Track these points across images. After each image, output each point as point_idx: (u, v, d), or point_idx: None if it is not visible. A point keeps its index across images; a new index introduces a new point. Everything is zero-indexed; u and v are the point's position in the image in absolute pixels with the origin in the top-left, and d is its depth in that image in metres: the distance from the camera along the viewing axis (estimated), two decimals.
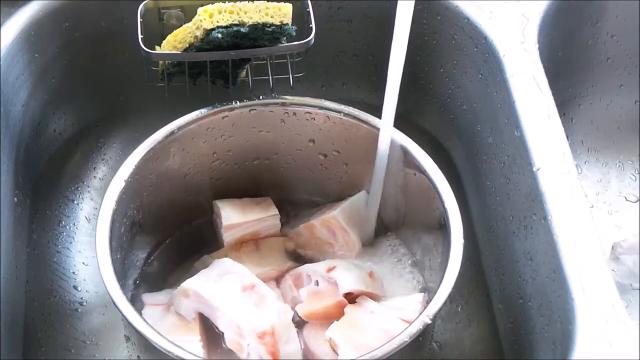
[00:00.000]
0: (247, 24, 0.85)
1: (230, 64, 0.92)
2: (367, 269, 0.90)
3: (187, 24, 0.88)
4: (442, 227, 0.83)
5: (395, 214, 0.94)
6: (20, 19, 0.98)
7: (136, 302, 0.88)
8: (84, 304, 0.96)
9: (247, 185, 0.97)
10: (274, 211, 0.94)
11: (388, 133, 0.88)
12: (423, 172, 0.87)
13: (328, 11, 1.05)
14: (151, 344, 0.74)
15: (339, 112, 0.91)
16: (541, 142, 0.85)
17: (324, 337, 0.83)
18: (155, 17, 0.95)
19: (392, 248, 0.95)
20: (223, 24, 0.85)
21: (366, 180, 0.93)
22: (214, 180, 0.96)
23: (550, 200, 0.81)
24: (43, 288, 0.96)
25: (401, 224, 0.95)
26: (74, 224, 1.02)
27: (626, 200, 1.07)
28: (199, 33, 0.86)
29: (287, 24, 0.87)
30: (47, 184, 1.04)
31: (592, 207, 1.06)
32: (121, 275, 0.83)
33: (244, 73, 0.96)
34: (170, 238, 0.96)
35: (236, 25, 0.85)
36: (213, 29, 0.85)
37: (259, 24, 0.86)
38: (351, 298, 0.86)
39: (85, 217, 1.03)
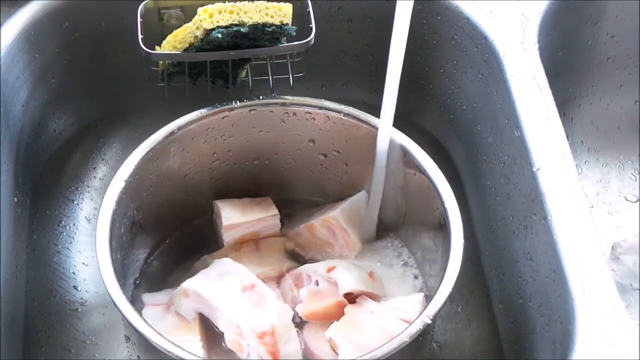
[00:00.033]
0: (247, 24, 0.85)
1: (230, 64, 0.92)
2: (367, 269, 0.90)
3: (187, 24, 0.88)
4: (442, 227, 0.83)
5: (395, 214, 0.94)
6: (20, 19, 0.98)
7: (136, 302, 0.88)
8: (84, 304, 0.96)
9: (247, 185, 0.97)
10: (274, 211, 0.94)
11: (387, 133, 0.88)
12: (423, 172, 0.87)
13: (328, 11, 1.05)
14: (151, 344, 0.74)
15: (339, 112, 0.91)
16: (541, 142, 0.85)
17: (324, 337, 0.83)
18: (155, 17, 0.95)
19: (392, 248, 0.95)
20: (223, 24, 0.85)
21: (366, 180, 0.93)
22: (214, 180, 0.96)
23: (550, 200, 0.81)
24: (43, 288, 0.96)
25: (401, 224, 0.95)
26: (74, 224, 1.02)
27: (626, 200, 1.07)
28: (199, 33, 0.86)
29: (287, 24, 0.87)
30: (47, 184, 1.04)
31: (592, 207, 1.06)
32: (121, 275, 0.83)
33: (244, 73, 0.96)
34: (170, 238, 0.96)
35: (236, 25, 0.85)
36: (213, 29, 0.85)
37: (259, 24, 0.86)
38: (351, 298, 0.86)
39: (85, 217, 1.03)
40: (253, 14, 0.86)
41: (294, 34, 0.89)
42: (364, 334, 0.82)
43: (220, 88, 0.96)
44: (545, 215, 0.80)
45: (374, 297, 0.87)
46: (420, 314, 0.76)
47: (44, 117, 1.04)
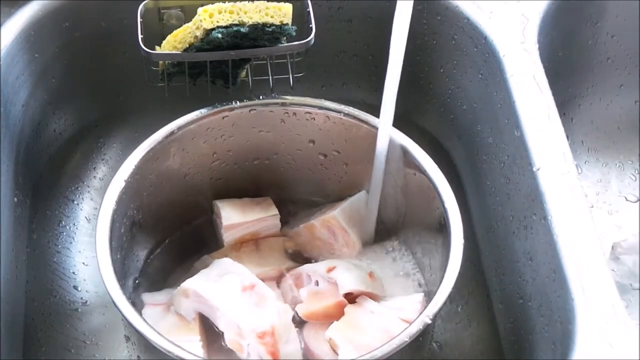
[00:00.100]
0: (247, 24, 0.85)
1: (230, 64, 0.92)
2: (367, 269, 0.90)
3: (187, 24, 0.88)
4: (442, 227, 0.83)
5: (395, 214, 0.94)
6: (20, 19, 0.98)
7: (136, 302, 0.88)
8: (84, 304, 0.96)
9: (247, 185, 0.97)
10: (274, 211, 0.94)
11: (386, 132, 0.88)
12: (423, 172, 0.87)
13: (328, 11, 1.05)
14: (151, 344, 0.74)
15: (338, 112, 0.91)
16: (541, 142, 0.85)
17: (324, 337, 0.83)
18: (155, 17, 0.95)
19: (392, 248, 0.95)
20: (223, 24, 0.85)
21: (366, 180, 0.93)
22: (214, 180, 0.96)
23: (550, 200, 0.81)
24: (43, 288, 0.96)
25: (401, 224, 0.95)
26: (74, 224, 1.02)
27: (626, 200, 1.07)
28: (199, 33, 0.86)
29: (287, 24, 0.87)
30: (47, 184, 1.04)
31: (592, 207, 1.06)
32: (121, 275, 0.83)
33: (244, 73, 0.96)
34: (170, 238, 0.96)
35: (236, 25, 0.85)
36: (213, 29, 0.85)
37: (259, 24, 0.86)
38: (351, 298, 0.86)
39: (85, 217, 1.03)
40: (253, 14, 0.86)
41: (294, 34, 0.89)
42: (364, 334, 0.82)
43: (220, 88, 0.96)
44: (545, 215, 0.80)
45: (374, 297, 0.87)
46: (420, 314, 0.76)
47: (44, 117, 1.04)
